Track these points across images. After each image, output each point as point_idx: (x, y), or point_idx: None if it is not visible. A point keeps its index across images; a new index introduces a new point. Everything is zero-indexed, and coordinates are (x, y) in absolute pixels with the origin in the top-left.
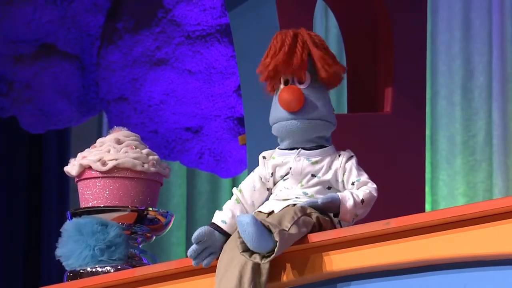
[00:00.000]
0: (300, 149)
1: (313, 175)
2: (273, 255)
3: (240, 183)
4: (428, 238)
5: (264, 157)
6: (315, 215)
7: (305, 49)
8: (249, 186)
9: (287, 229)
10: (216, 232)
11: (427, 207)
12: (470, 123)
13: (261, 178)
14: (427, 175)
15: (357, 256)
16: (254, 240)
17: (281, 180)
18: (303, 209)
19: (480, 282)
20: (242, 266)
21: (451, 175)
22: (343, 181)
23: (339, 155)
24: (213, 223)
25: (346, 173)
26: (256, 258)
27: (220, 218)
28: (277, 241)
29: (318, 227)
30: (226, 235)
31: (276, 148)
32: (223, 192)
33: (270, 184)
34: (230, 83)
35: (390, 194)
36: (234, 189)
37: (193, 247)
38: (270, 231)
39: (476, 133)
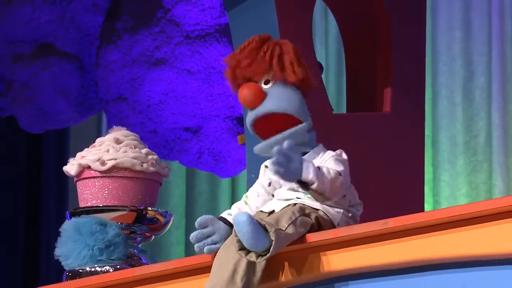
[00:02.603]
0: None
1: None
2: (268, 254)
3: (239, 183)
4: (427, 238)
5: (266, 166)
6: (314, 215)
7: (269, 52)
8: (254, 192)
9: (284, 229)
10: (221, 222)
11: (429, 207)
12: (472, 124)
13: (263, 186)
14: (429, 176)
15: (355, 256)
16: (249, 238)
17: (279, 187)
18: (301, 209)
19: (478, 282)
20: (237, 261)
21: (453, 176)
22: None
23: (324, 153)
24: (220, 216)
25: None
26: (252, 256)
27: (227, 212)
28: (272, 240)
29: (317, 227)
30: (231, 227)
31: None
32: (223, 191)
33: (272, 191)
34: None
35: (389, 194)
36: (244, 195)
37: (197, 231)
38: (266, 230)
39: (478, 133)
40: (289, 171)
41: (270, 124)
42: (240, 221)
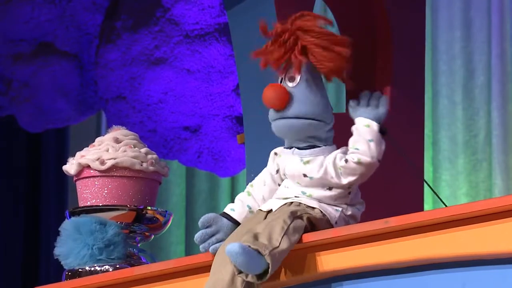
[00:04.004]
0: (294, 148)
1: (305, 175)
2: (267, 276)
3: (239, 182)
4: (427, 237)
5: (275, 153)
6: (305, 216)
7: (295, 47)
8: (260, 181)
9: (278, 244)
10: (224, 219)
11: (429, 207)
12: (472, 123)
13: (270, 174)
14: (430, 176)
15: (355, 255)
16: (246, 267)
17: (285, 178)
18: (292, 213)
19: (479, 281)
20: None
21: (454, 175)
22: (334, 168)
23: (332, 153)
24: (223, 212)
25: (337, 160)
26: (253, 278)
27: (230, 207)
28: (268, 263)
29: (310, 227)
30: (235, 223)
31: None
32: (222, 191)
33: (279, 180)
34: (229, 82)
35: (388, 193)
36: (248, 184)
37: (201, 231)
38: (260, 252)
39: (478, 132)
40: (376, 110)
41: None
42: (233, 253)
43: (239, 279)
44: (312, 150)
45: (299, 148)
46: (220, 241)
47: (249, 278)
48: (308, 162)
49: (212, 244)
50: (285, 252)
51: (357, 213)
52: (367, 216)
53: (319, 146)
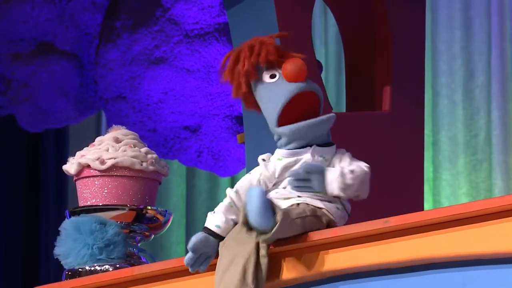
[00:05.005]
0: (314, 145)
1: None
2: (270, 234)
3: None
4: (427, 236)
5: (263, 160)
6: (325, 218)
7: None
8: (246, 188)
9: (292, 218)
10: (211, 238)
11: (429, 207)
12: (472, 123)
13: (260, 181)
14: (430, 175)
15: (356, 255)
16: (256, 213)
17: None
18: (313, 211)
19: (479, 281)
20: (245, 261)
21: (454, 175)
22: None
23: (337, 152)
24: (207, 228)
25: (341, 162)
26: (253, 234)
27: (214, 223)
28: (277, 222)
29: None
30: (221, 239)
31: (280, 149)
32: (222, 190)
33: (270, 185)
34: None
35: (388, 193)
36: (229, 191)
37: (189, 255)
38: (275, 211)
39: (478, 132)
40: (312, 191)
41: (304, 104)
42: (253, 194)
43: (249, 275)
44: (331, 148)
45: (319, 145)
46: (207, 258)
47: (250, 232)
48: (327, 160)
49: (200, 264)
50: (295, 227)
51: (348, 206)
52: (367, 216)
53: (332, 143)
